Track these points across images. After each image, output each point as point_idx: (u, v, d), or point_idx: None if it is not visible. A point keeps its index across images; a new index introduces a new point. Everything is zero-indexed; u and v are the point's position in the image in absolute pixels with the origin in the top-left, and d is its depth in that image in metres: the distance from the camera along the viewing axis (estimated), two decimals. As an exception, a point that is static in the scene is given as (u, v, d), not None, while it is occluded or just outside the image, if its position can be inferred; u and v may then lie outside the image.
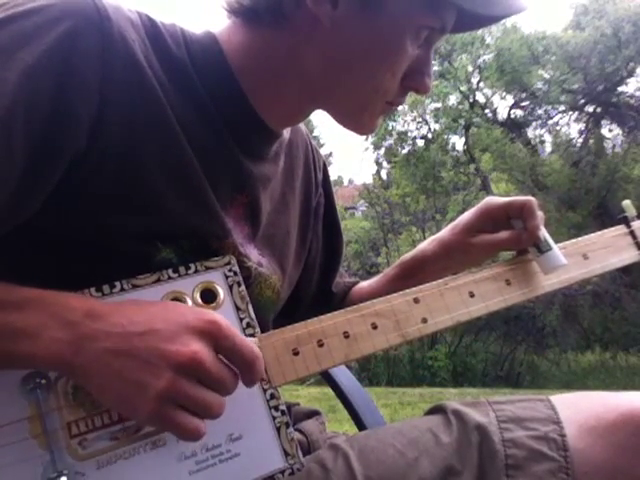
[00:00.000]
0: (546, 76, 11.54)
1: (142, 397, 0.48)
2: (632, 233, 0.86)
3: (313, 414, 0.89)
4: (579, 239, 0.83)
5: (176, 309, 0.55)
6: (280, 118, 0.73)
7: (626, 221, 0.87)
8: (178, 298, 0.60)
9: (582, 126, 12.29)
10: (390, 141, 12.94)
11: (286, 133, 0.81)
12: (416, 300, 0.70)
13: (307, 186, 0.89)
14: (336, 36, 0.65)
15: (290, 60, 0.68)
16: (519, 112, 12.92)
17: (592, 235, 0.84)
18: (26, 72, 0.53)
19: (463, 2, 0.64)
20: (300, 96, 0.71)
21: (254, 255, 0.73)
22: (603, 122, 12.29)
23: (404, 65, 0.67)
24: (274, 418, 0.60)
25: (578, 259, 0.80)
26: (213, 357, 0.51)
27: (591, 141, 11.92)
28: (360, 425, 1.02)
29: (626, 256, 0.84)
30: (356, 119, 0.73)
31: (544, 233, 0.77)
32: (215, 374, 0.51)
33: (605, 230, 0.85)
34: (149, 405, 0.48)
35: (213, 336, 0.51)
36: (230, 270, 0.64)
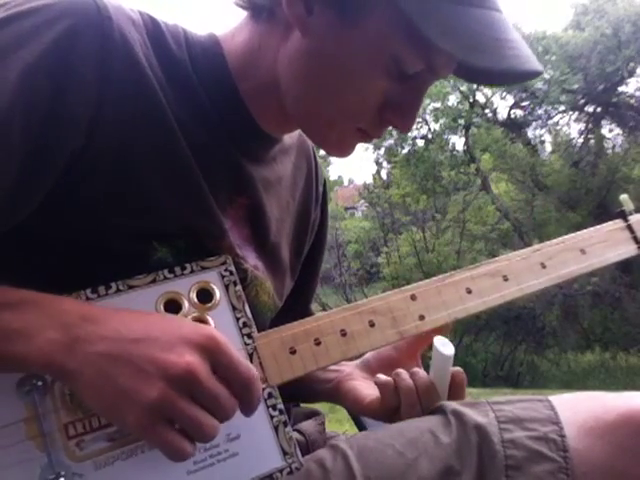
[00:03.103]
0: (546, 76, 11.53)
1: (132, 405, 0.47)
2: (629, 227, 0.85)
3: (313, 414, 0.89)
4: (577, 233, 0.82)
5: (173, 320, 0.54)
6: (274, 123, 0.72)
7: (623, 215, 0.86)
8: (174, 299, 0.60)
9: (582, 126, 12.30)
10: (390, 141, 12.94)
11: (288, 139, 0.81)
12: (413, 297, 0.70)
13: (307, 198, 0.89)
14: (307, 44, 0.63)
15: (274, 63, 0.67)
16: (519, 112, 12.92)
17: (590, 229, 0.83)
18: (25, 71, 0.53)
19: (447, 46, 0.55)
20: (282, 103, 0.69)
21: (251, 258, 0.73)
22: (603, 122, 12.30)
23: (377, 94, 0.63)
24: (272, 417, 0.60)
25: (576, 254, 0.80)
26: (208, 372, 0.50)
27: (591, 141, 11.93)
28: (360, 425, 1.02)
29: (624, 250, 0.84)
30: (323, 137, 0.70)
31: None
32: (208, 390, 0.49)
33: (603, 224, 0.85)
34: (138, 414, 0.47)
35: (210, 351, 0.50)
36: (226, 270, 0.64)
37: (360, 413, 0.79)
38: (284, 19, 0.63)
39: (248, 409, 0.53)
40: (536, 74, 0.60)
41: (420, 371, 0.72)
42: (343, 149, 0.71)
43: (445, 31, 0.55)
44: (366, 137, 0.69)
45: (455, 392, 0.73)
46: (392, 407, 0.71)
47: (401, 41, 0.59)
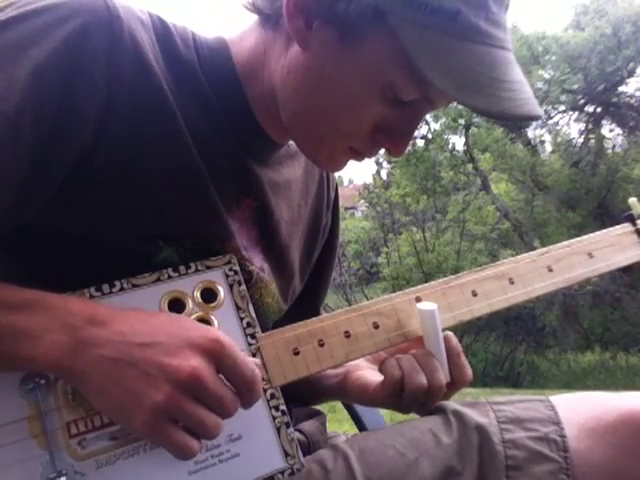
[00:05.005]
0: (546, 76, 11.51)
1: (138, 407, 0.48)
2: (638, 231, 0.85)
3: (314, 414, 0.89)
4: (584, 237, 0.82)
5: (179, 323, 0.54)
6: (277, 129, 0.72)
7: (632, 219, 0.86)
8: (178, 297, 0.60)
9: (582, 126, 12.27)
10: (390, 141, 12.87)
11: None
12: (418, 299, 0.70)
13: (319, 203, 0.89)
14: (305, 59, 0.62)
15: (275, 72, 0.67)
16: (519, 112, 12.83)
17: (597, 233, 0.83)
18: (36, 70, 0.53)
19: (439, 83, 0.55)
20: (278, 109, 0.69)
21: (257, 260, 0.73)
22: (603, 122, 12.27)
23: (371, 117, 0.63)
24: (274, 418, 0.60)
25: (583, 257, 0.80)
26: (213, 375, 0.51)
27: (591, 141, 11.91)
28: (360, 425, 1.02)
29: (632, 254, 0.83)
30: (314, 151, 0.70)
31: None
32: (213, 392, 0.50)
33: (611, 228, 0.84)
34: (144, 416, 0.48)
35: (215, 354, 0.51)
36: (231, 269, 0.64)
37: (366, 400, 0.78)
38: (286, 30, 0.62)
39: (247, 405, 0.55)
40: (531, 118, 0.58)
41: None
42: (333, 165, 0.71)
43: (440, 67, 0.55)
44: (358, 156, 0.69)
45: (452, 355, 0.71)
46: (395, 382, 0.69)
47: (398, 69, 0.58)
